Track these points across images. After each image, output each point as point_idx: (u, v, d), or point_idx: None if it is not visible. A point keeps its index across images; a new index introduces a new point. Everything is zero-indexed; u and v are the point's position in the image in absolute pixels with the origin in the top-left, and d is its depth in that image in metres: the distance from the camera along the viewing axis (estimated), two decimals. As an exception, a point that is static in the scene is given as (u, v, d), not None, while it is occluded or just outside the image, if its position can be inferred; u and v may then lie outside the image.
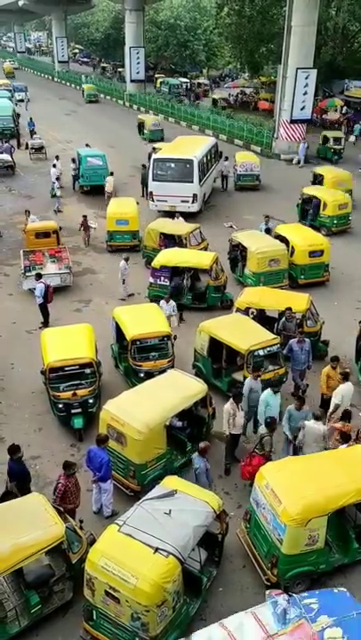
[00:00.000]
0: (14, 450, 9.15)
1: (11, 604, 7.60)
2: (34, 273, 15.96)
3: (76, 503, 8.92)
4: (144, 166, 25.02)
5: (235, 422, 10.12)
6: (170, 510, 7.70)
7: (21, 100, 47.80)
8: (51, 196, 24.56)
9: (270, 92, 48.79)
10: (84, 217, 20.18)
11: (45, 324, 14.71)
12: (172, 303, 14.08)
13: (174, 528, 7.47)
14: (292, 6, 29.79)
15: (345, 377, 10.90)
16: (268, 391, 10.41)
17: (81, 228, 20.02)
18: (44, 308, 14.80)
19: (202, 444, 9.28)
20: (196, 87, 59.80)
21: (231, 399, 10.28)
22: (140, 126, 38.19)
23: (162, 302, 13.86)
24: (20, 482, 9.11)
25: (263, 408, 10.24)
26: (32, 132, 34.69)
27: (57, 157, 26.21)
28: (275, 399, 10.37)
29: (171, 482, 8.53)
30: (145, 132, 37.36)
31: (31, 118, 36.69)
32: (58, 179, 24.73)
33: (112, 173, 24.98)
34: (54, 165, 25.16)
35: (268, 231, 18.83)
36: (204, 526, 7.82)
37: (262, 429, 9.79)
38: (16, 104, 43.72)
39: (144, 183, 24.29)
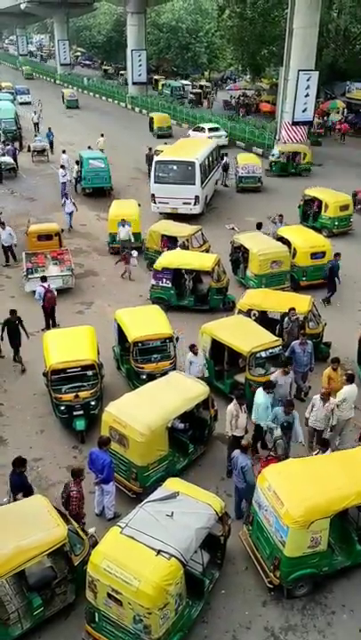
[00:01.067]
0: (20, 463, 9.05)
1: (13, 607, 7.59)
2: (36, 275, 16.07)
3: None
4: (150, 149, 27.87)
5: (237, 424, 10.10)
6: (172, 512, 7.69)
7: (26, 103, 48.17)
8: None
9: (272, 93, 48.82)
10: (126, 251, 18.03)
11: (47, 327, 14.59)
12: (201, 357, 11.99)
13: (176, 530, 7.46)
14: (293, 8, 29.83)
15: (349, 379, 10.83)
16: (260, 390, 10.48)
17: (120, 262, 18.13)
18: (44, 312, 14.75)
19: (244, 442, 9.32)
20: (204, 90, 59.69)
21: (234, 400, 10.27)
22: (151, 123, 40.24)
23: (190, 355, 11.73)
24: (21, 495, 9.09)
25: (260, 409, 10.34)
26: (52, 144, 33.28)
27: (63, 151, 26.37)
28: (266, 398, 10.39)
29: (173, 484, 8.52)
30: (154, 128, 39.34)
31: (50, 129, 34.71)
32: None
33: (102, 134, 32.11)
34: (62, 167, 25.21)
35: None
36: (206, 528, 7.81)
37: (278, 432, 9.78)
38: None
39: (149, 162, 25.48)
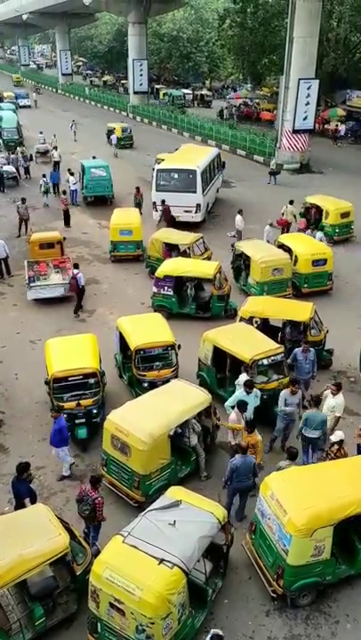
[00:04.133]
0: (24, 469, 9.00)
1: (15, 616, 7.54)
2: (38, 284, 16.34)
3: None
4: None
5: (240, 432, 10.08)
6: (175, 521, 7.65)
7: (26, 107, 48.84)
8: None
9: (273, 102, 49.08)
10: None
11: (77, 309, 16.39)
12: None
13: (179, 539, 7.42)
14: (293, 18, 30.02)
15: (338, 388, 10.58)
16: (241, 391, 10.53)
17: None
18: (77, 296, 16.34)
19: (243, 443, 9.37)
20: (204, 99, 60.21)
21: (236, 408, 10.26)
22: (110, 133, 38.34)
23: (233, 413, 10.47)
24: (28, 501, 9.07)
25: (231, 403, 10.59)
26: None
27: (71, 173, 26.51)
28: (242, 395, 10.42)
29: (175, 492, 8.48)
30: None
31: (56, 165, 29.77)
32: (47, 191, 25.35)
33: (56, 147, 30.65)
34: (72, 174, 25.90)
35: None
36: (209, 537, 7.77)
37: (285, 463, 9.52)
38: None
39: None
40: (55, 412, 10.30)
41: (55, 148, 30.92)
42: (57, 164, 29.61)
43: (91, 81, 79.19)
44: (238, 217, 21.26)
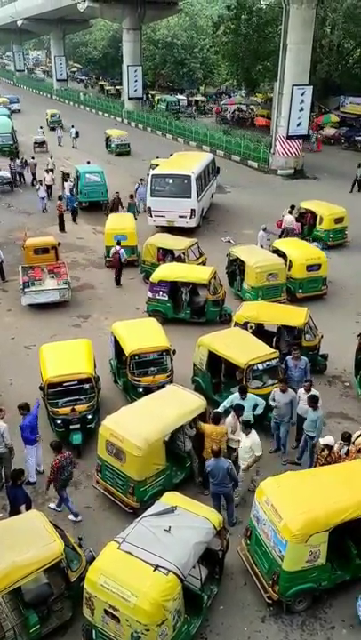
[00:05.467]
0: (17, 475, 9.00)
1: (9, 624, 7.48)
2: (33, 289, 16.47)
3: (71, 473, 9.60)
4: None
5: (235, 436, 10.07)
6: (170, 527, 7.63)
7: (17, 111, 49.76)
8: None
9: (267, 108, 49.33)
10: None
11: (117, 283, 18.61)
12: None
13: (174, 545, 7.39)
14: (287, 25, 30.21)
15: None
16: (237, 394, 10.60)
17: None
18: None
19: (214, 447, 9.25)
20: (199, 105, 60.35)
21: (232, 412, 10.26)
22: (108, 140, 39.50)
23: (230, 416, 10.48)
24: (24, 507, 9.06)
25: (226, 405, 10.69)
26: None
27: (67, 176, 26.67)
28: (237, 399, 10.44)
29: (170, 498, 8.46)
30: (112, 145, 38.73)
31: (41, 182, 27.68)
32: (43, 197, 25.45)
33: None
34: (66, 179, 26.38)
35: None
36: (204, 543, 7.74)
37: None
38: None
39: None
40: (22, 410, 10.41)
41: (52, 170, 28.40)
42: (50, 187, 27.21)
43: (101, 86, 77.85)
44: (289, 217, 21.58)
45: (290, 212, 21.86)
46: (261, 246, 19.30)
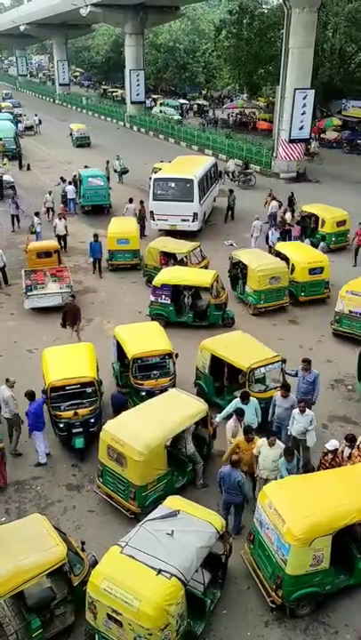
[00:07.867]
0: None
1: (12, 628, 7.45)
2: (35, 293, 16.54)
3: None
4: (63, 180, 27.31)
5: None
6: (172, 531, 7.60)
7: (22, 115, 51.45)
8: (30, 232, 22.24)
9: (269, 112, 49.40)
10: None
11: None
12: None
13: (177, 549, 7.37)
14: (289, 29, 30.29)
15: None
16: (238, 400, 10.58)
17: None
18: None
19: (234, 457, 9.17)
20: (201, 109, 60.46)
21: (234, 416, 10.24)
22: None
23: (231, 420, 10.47)
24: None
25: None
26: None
27: (63, 180, 26.68)
28: (238, 405, 10.42)
29: (173, 502, 8.44)
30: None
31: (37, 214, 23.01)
32: (37, 213, 22.30)
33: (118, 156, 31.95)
34: (67, 181, 26.52)
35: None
36: (207, 547, 7.71)
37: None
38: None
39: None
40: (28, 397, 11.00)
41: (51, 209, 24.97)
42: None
43: (104, 90, 77.04)
44: (274, 202, 23.55)
45: (273, 199, 23.94)
46: (257, 237, 20.65)
